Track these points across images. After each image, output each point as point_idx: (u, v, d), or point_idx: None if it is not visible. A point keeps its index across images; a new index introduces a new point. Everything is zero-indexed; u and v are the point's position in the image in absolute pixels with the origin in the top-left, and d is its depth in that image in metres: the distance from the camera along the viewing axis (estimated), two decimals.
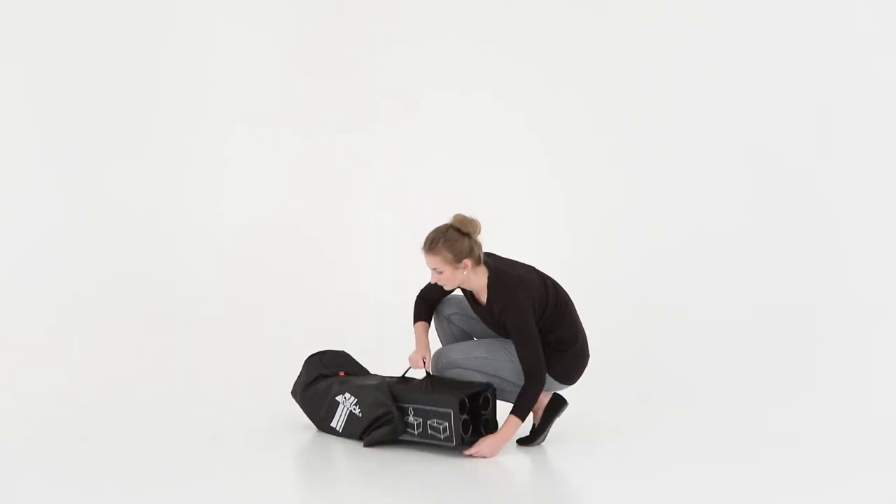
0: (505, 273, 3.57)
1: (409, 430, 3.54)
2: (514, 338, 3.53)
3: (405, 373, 3.76)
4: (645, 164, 5.48)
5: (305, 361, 3.87)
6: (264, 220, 6.50)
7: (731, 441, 3.69)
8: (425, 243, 3.55)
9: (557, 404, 3.67)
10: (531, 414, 3.63)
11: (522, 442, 3.65)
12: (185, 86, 6.62)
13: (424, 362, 3.66)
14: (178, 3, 6.61)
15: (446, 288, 3.64)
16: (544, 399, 3.66)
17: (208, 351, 5.23)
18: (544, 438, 3.65)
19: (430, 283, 3.67)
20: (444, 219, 3.59)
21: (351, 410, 3.64)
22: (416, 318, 3.80)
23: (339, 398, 3.68)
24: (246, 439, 3.64)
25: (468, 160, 5.98)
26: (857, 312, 4.58)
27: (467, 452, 3.48)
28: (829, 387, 4.29)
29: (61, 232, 6.14)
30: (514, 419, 3.50)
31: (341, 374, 3.83)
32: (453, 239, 3.51)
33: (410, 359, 3.68)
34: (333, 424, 3.69)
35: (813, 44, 4.94)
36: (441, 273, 3.54)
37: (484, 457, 3.46)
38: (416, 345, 3.73)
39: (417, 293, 3.82)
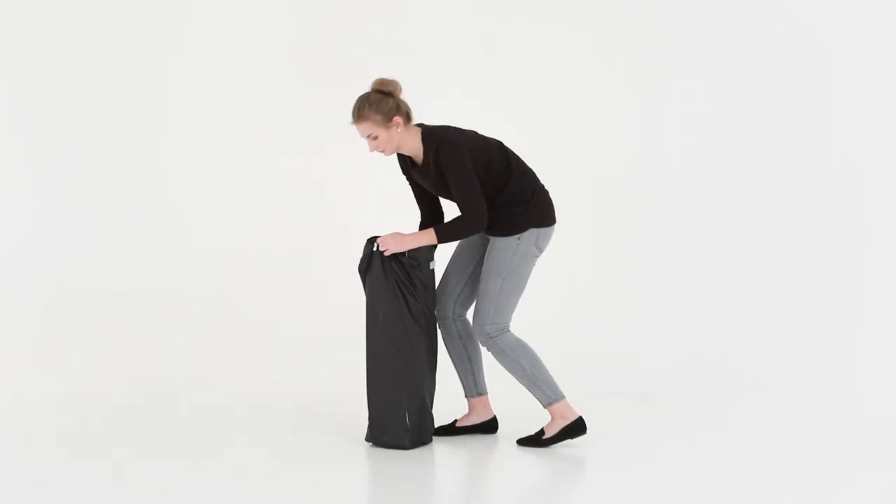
0: (438, 126, 3.60)
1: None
2: (451, 178, 3.48)
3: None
4: (648, 161, 5.46)
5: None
6: (271, 217, 6.52)
7: (731, 441, 3.70)
8: (353, 113, 3.51)
9: (578, 428, 3.58)
10: (553, 428, 3.56)
11: (524, 442, 3.61)
12: (189, 85, 6.63)
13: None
14: (179, 3, 6.62)
15: (386, 154, 3.56)
16: (570, 415, 3.57)
17: (211, 348, 5.25)
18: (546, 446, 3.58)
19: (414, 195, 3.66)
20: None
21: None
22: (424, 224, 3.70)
23: None
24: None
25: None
26: (849, 313, 4.56)
27: (379, 241, 3.51)
28: (825, 387, 4.28)
29: (60, 231, 6.14)
30: (432, 234, 3.51)
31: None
32: (377, 100, 3.49)
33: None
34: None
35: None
36: (376, 138, 3.49)
37: (387, 248, 3.48)
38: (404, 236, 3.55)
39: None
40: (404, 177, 3.71)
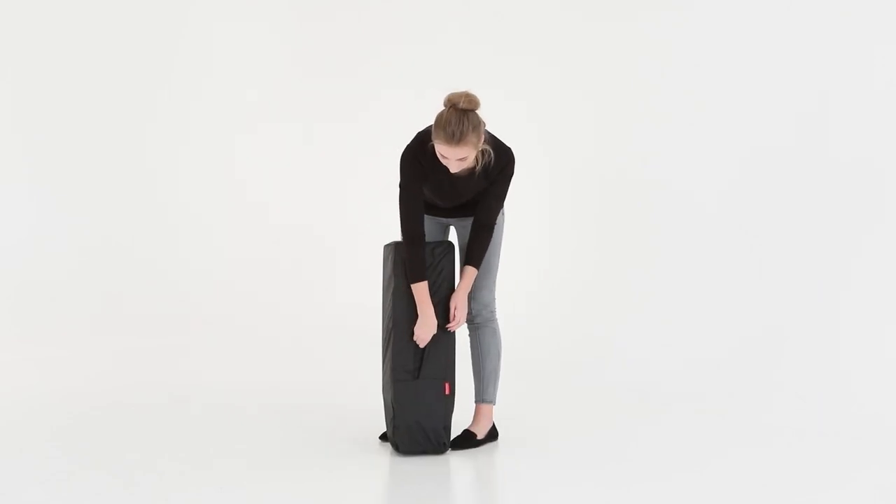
0: (499, 140, 3.44)
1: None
2: (500, 190, 3.41)
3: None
4: (651, 160, 5.46)
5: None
6: (270, 217, 6.53)
7: (723, 437, 3.72)
8: (453, 136, 3.18)
9: (496, 433, 3.61)
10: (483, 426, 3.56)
11: (456, 446, 3.50)
12: (183, 83, 6.63)
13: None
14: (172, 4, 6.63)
15: (464, 170, 3.33)
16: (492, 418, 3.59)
17: (206, 350, 5.26)
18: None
19: (410, 213, 3.35)
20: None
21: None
22: (419, 277, 3.40)
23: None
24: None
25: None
26: (846, 312, 4.56)
27: (450, 327, 3.42)
28: (821, 386, 4.28)
29: (50, 231, 6.13)
30: (474, 270, 3.44)
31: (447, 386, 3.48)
32: (478, 123, 3.24)
33: (420, 338, 3.40)
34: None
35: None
36: (464, 159, 3.25)
37: (461, 319, 3.43)
38: (427, 315, 3.39)
39: (405, 239, 3.38)
40: (414, 182, 3.38)
